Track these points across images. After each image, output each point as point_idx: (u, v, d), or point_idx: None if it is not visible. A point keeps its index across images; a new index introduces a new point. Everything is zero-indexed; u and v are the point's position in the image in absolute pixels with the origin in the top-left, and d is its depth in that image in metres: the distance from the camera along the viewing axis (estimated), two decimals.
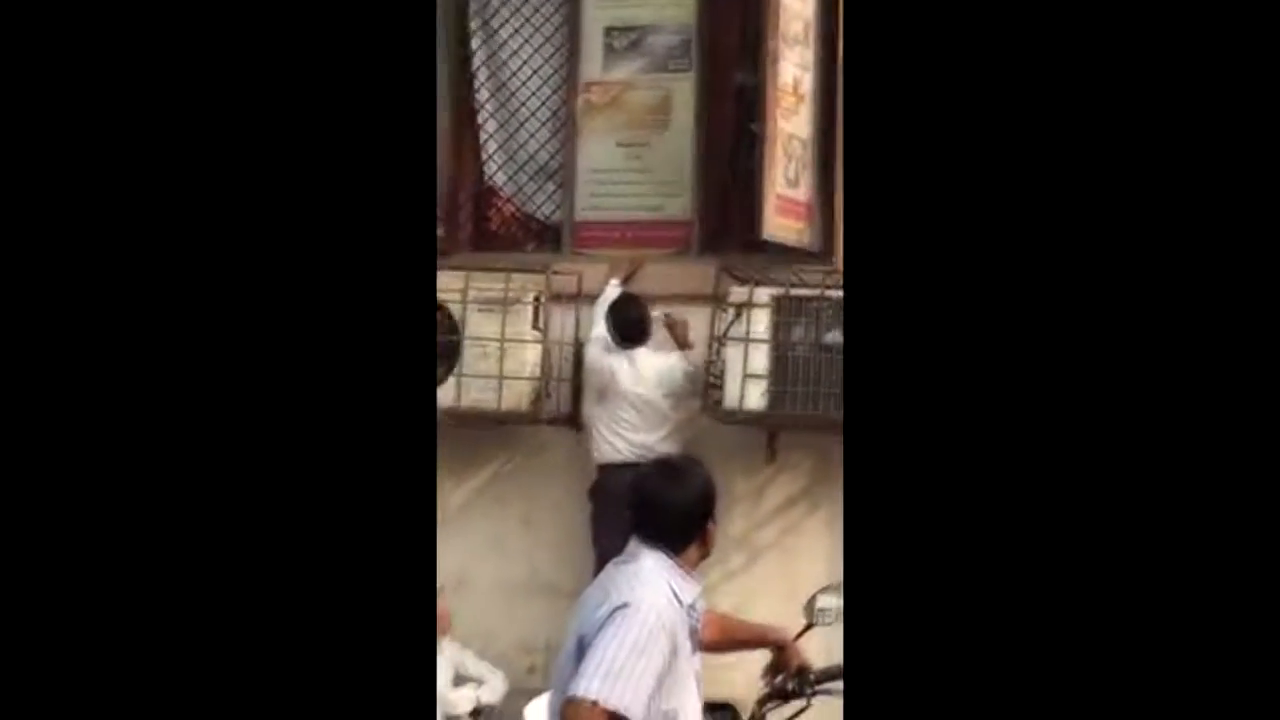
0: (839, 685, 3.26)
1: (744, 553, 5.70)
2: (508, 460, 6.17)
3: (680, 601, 2.76)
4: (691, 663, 2.81)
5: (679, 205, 6.06)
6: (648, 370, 5.43)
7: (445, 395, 5.64)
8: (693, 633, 2.81)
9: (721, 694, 3.25)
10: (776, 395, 5.36)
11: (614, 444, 5.44)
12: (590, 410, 5.61)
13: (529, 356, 5.70)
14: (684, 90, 6.05)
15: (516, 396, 5.69)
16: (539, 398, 5.72)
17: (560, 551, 5.71)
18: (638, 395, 5.42)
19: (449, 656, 5.70)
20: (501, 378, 5.62)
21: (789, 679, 3.24)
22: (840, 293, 5.24)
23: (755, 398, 5.38)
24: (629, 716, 2.57)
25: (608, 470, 5.41)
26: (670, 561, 2.80)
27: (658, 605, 2.69)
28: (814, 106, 5.58)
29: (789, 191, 5.47)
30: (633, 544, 2.89)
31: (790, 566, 5.19)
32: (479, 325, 5.67)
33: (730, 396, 5.39)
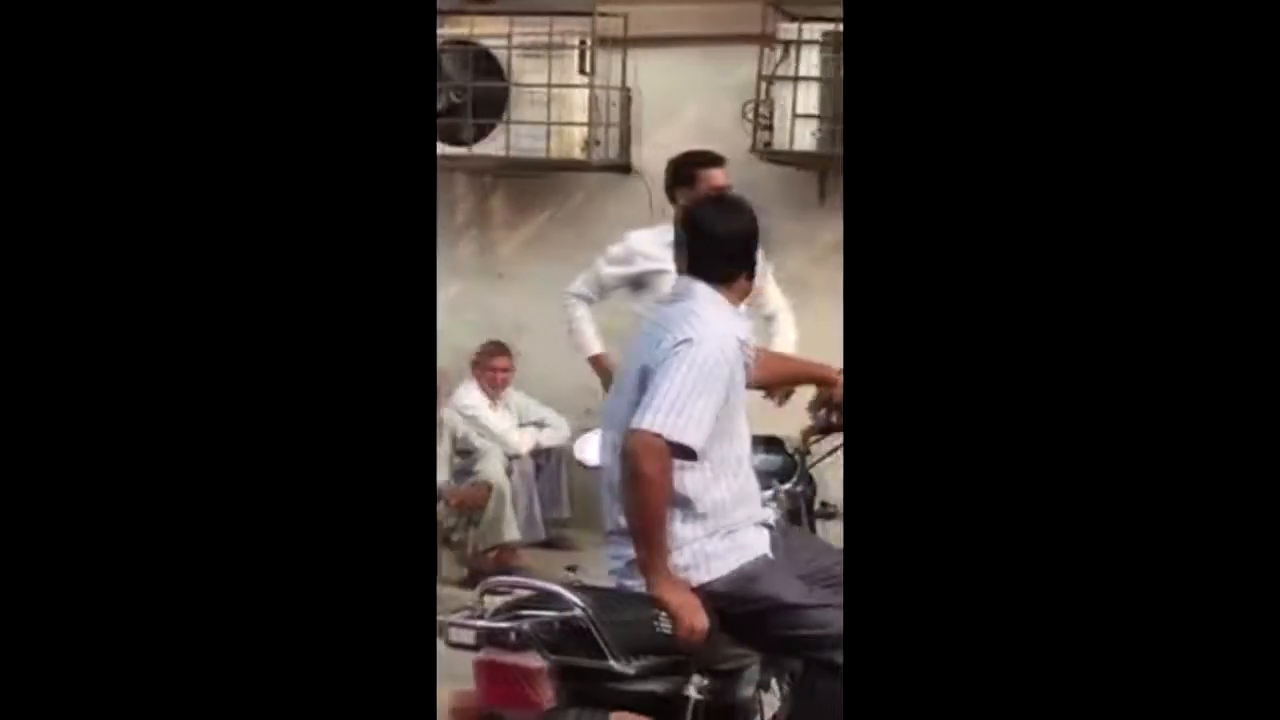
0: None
1: (796, 293, 5.65)
2: (559, 208, 6.12)
3: (737, 338, 2.77)
4: (742, 397, 2.84)
5: None
6: None
7: (495, 144, 5.58)
8: (745, 368, 2.82)
9: (769, 428, 3.28)
10: (827, 135, 5.29)
11: None
12: None
13: (578, 102, 5.55)
14: None
15: (567, 143, 5.58)
16: (589, 144, 5.59)
17: None
18: None
19: (513, 403, 5.84)
20: (550, 124, 5.50)
21: (833, 412, 3.26)
22: None
23: (805, 138, 5.33)
24: (691, 448, 2.61)
25: None
26: (720, 295, 2.81)
27: (720, 340, 2.70)
28: None
29: None
30: (681, 281, 2.91)
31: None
32: (525, 71, 5.51)
33: (780, 138, 5.33)
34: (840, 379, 3.30)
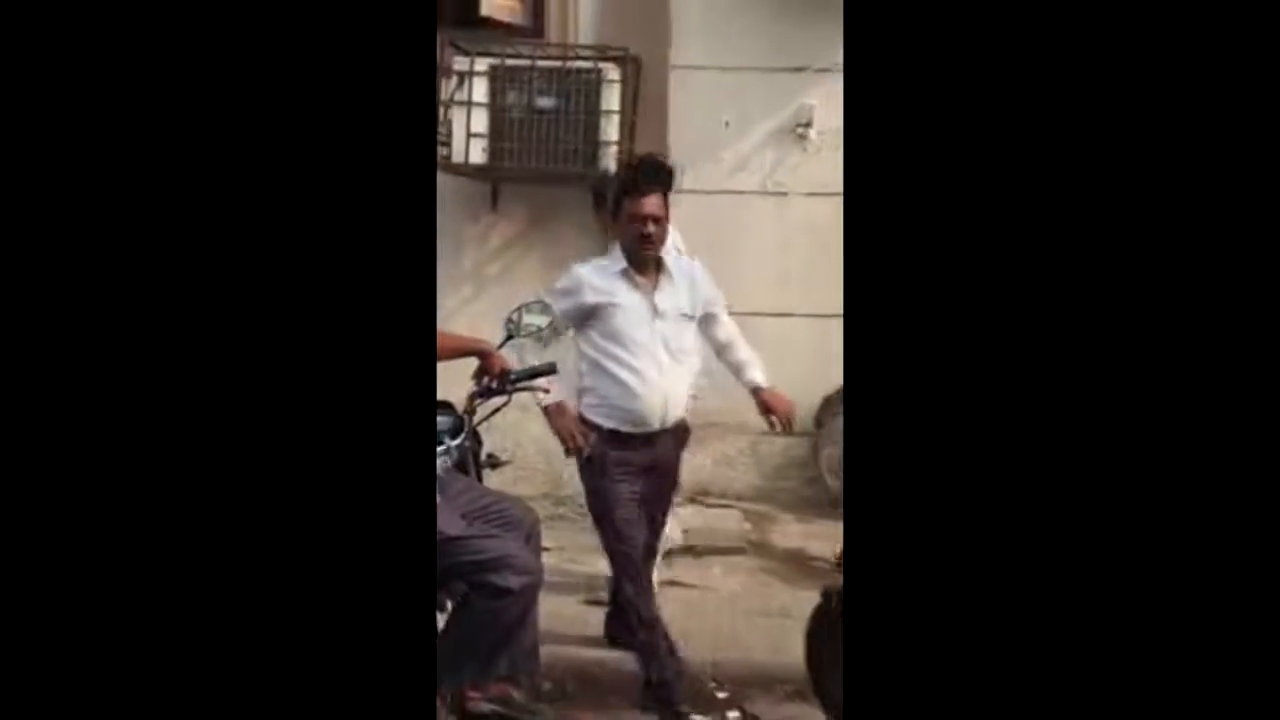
0: (534, 383, 3.69)
1: (472, 284, 6.04)
2: None
3: None
4: None
5: None
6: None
7: None
8: None
9: (440, 394, 3.31)
10: (495, 151, 5.56)
11: None
12: None
13: None
14: None
15: None
16: None
17: None
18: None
19: None
20: None
21: (493, 380, 3.55)
22: (550, 63, 5.47)
23: (477, 153, 5.56)
24: None
25: None
26: None
27: None
28: None
29: None
30: None
31: (509, 296, 4.77)
32: None
33: (457, 152, 5.59)
34: (496, 351, 3.55)
